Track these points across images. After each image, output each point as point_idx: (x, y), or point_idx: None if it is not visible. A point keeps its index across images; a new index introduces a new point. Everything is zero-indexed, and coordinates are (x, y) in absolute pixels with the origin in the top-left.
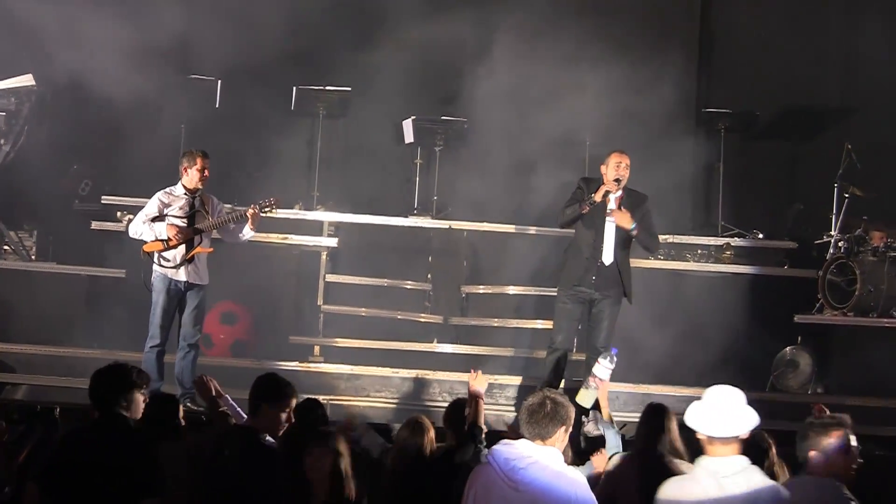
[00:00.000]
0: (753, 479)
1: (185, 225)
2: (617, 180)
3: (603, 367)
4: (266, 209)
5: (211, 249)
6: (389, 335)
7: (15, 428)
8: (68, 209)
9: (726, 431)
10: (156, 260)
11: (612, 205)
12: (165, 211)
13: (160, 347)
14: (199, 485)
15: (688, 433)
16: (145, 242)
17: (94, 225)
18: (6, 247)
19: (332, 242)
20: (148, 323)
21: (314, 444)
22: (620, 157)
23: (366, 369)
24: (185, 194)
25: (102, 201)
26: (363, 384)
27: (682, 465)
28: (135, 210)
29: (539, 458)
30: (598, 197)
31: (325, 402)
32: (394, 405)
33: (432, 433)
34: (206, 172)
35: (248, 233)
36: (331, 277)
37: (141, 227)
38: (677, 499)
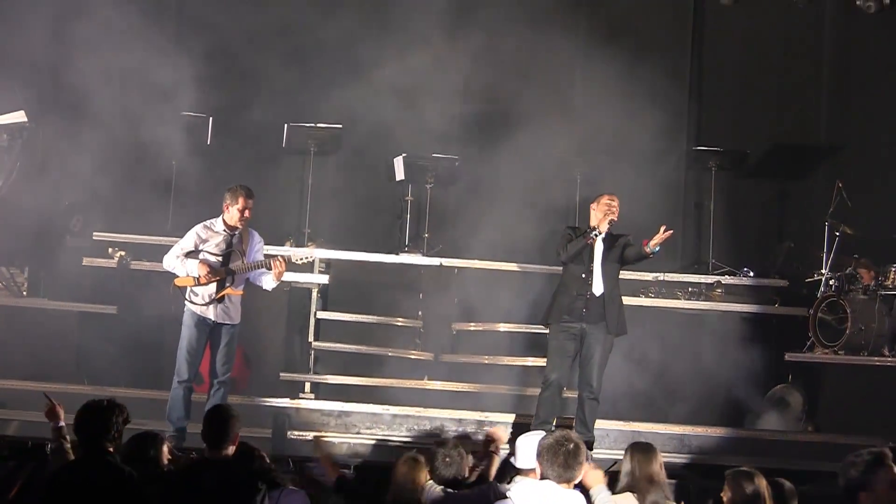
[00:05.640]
0: None
1: (218, 263)
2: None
3: None
4: (300, 261)
5: (241, 292)
6: (380, 372)
7: (6, 464)
8: (60, 245)
9: None
10: (186, 295)
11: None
12: (201, 246)
13: (187, 383)
14: None
15: None
16: (176, 276)
17: (86, 261)
18: None
19: (323, 279)
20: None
21: None
22: (612, 198)
23: (356, 406)
24: (224, 230)
25: (94, 237)
26: (354, 421)
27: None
28: (126, 246)
29: (564, 501)
30: (603, 228)
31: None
32: (384, 442)
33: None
34: (248, 213)
35: (267, 283)
36: (322, 314)
37: (174, 262)
38: None
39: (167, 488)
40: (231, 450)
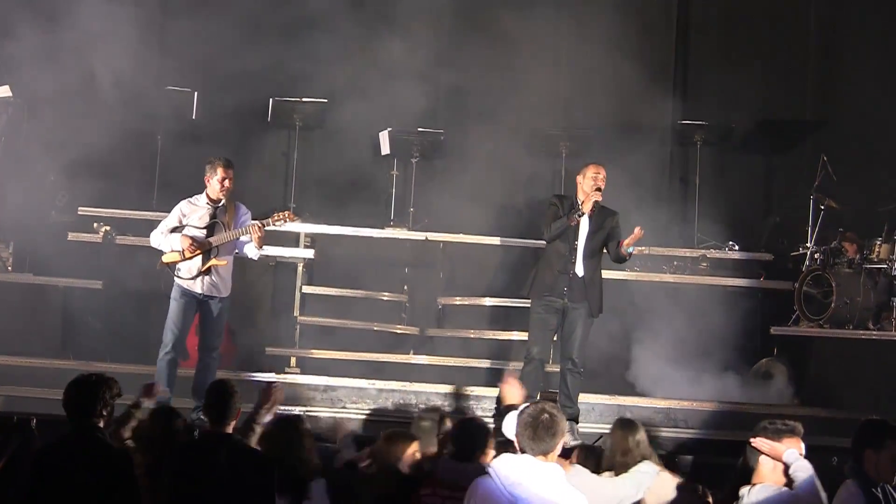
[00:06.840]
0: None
1: (201, 236)
2: (598, 189)
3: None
4: (278, 223)
5: (224, 262)
6: (366, 346)
7: None
8: (45, 220)
9: None
10: (174, 271)
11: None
12: (185, 221)
13: (171, 355)
14: (180, 492)
15: None
16: (163, 253)
17: (71, 236)
18: None
19: (309, 254)
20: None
21: None
22: (598, 169)
23: (342, 380)
24: (208, 204)
25: (79, 212)
26: (339, 395)
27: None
28: (111, 221)
29: (541, 474)
30: (586, 208)
31: (302, 413)
32: (370, 416)
33: (414, 447)
34: (227, 183)
35: (251, 252)
36: (307, 289)
37: (159, 239)
38: None
39: (181, 461)
40: (232, 426)
